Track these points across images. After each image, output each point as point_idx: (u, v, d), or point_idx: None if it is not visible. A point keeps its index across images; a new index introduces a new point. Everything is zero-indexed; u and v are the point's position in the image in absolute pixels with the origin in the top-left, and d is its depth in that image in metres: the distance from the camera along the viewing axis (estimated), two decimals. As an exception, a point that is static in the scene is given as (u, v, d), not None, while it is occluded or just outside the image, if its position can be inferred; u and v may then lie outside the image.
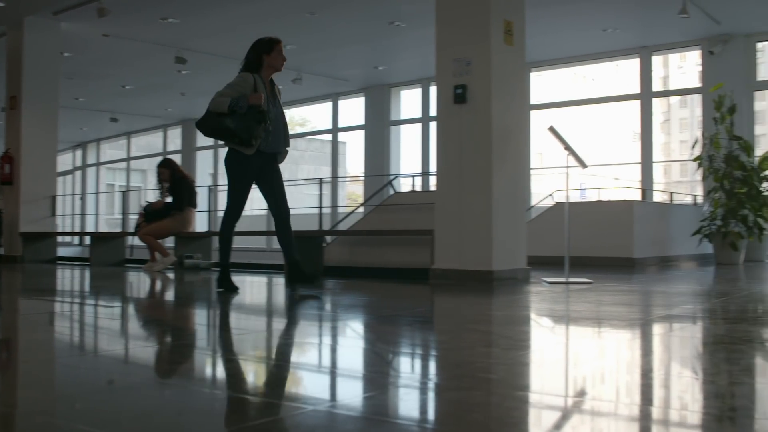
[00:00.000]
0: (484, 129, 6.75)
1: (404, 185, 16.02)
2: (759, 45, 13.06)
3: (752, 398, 2.20)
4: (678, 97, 47.22)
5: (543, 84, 16.55)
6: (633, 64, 14.08)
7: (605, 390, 2.36)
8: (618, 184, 15.84)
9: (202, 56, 13.81)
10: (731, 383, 2.33)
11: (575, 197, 14.75)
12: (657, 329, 3.75)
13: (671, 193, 14.14)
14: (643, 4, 11.45)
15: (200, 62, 14.16)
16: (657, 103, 14.80)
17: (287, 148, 5.90)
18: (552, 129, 6.61)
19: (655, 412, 2.01)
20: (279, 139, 5.75)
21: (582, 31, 12.71)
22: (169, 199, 9.38)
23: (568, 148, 6.57)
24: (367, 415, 2.00)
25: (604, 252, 9.95)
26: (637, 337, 3.45)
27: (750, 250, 10.87)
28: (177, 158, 19.08)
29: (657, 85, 16.22)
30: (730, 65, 12.43)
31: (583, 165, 6.71)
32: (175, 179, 9.34)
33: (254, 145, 5.55)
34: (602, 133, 43.06)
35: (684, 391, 2.28)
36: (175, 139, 22.43)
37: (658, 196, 15.12)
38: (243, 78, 5.61)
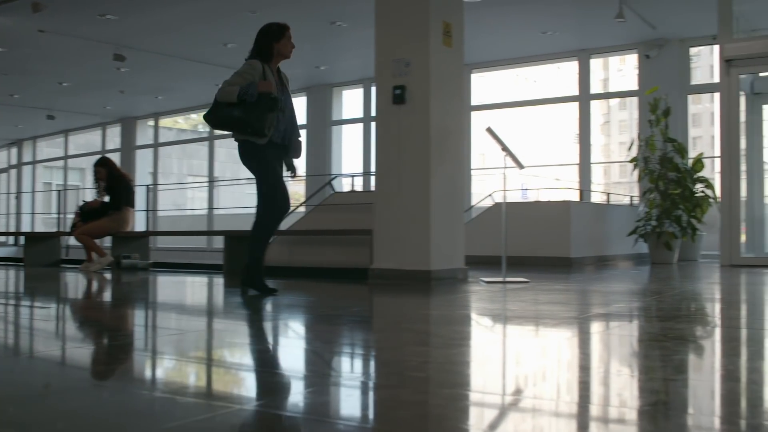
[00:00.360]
0: (422, 129, 6.79)
1: (346, 185, 16.02)
2: (693, 50, 13.40)
3: (685, 393, 2.27)
4: (617, 100, 48.12)
5: (485, 85, 16.71)
6: (573, 67, 14.29)
7: (537, 388, 2.40)
8: (558, 185, 16.06)
9: (141, 54, 13.63)
10: (665, 379, 2.39)
11: (516, 197, 14.93)
12: (592, 327, 3.82)
13: (608, 193, 14.40)
14: (581, 7, 11.63)
15: (140, 60, 13.98)
16: (597, 105, 15.10)
17: (299, 139, 5.61)
18: (489, 130, 6.68)
19: (593, 409, 2.05)
20: (288, 129, 5.46)
21: (522, 34, 12.87)
22: (106, 199, 9.25)
23: (505, 149, 6.65)
24: (295, 413, 2.01)
25: (542, 252, 10.08)
26: (573, 335, 3.52)
27: (683, 249, 11.12)
28: (116, 157, 18.82)
29: (597, 88, 16.52)
30: (666, 69, 12.72)
31: (520, 166, 6.80)
32: (113, 178, 9.22)
33: (267, 134, 5.26)
34: (545, 134, 43.71)
35: (622, 388, 2.32)
36: (114, 137, 22.09)
37: (597, 197, 15.38)
38: (251, 65, 5.33)
